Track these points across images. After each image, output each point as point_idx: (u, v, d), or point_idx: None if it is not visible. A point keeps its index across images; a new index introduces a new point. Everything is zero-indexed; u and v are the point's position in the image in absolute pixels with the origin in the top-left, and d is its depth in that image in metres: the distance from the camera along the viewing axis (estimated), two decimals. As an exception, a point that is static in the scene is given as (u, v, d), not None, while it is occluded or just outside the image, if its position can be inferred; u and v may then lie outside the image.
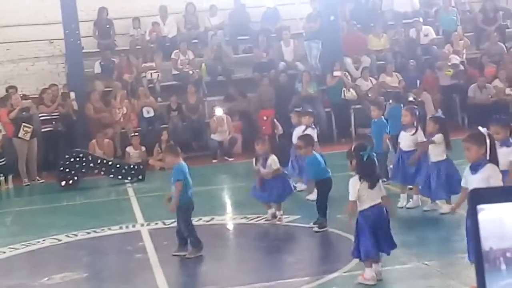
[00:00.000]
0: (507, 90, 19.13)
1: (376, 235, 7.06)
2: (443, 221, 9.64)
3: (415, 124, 10.78)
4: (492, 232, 1.12)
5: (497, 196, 1.10)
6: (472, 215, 1.10)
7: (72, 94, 18.02)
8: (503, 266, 1.11)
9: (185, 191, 8.99)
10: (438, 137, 9.93)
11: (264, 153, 10.25)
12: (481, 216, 1.11)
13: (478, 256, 1.10)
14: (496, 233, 1.12)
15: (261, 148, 10.25)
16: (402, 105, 14.89)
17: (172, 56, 19.75)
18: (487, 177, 6.40)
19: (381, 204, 7.18)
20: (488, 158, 6.52)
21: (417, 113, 11.03)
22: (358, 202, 7.15)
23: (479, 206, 1.10)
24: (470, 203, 1.10)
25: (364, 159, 7.17)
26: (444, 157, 9.93)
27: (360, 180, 7.15)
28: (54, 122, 17.24)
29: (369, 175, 7.18)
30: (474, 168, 6.58)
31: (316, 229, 9.60)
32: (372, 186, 7.16)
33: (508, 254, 1.11)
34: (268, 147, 10.31)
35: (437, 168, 9.90)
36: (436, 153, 9.95)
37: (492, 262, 1.12)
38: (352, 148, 7.40)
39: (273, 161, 10.18)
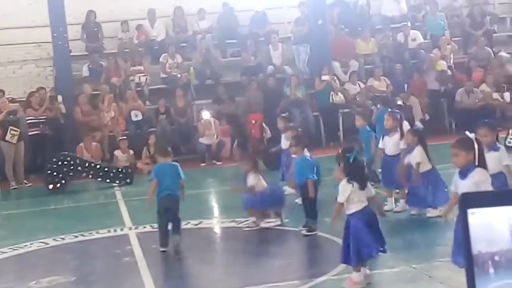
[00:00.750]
0: (494, 95, 19.23)
1: (367, 238, 7.07)
2: (430, 225, 9.66)
3: (398, 128, 10.76)
4: (481, 236, 1.13)
5: (487, 200, 1.11)
6: (463, 219, 1.11)
7: (60, 98, 17.97)
8: (492, 270, 1.12)
9: (158, 191, 9.32)
10: (417, 150, 9.90)
11: (245, 171, 10.32)
12: (471, 220, 1.12)
13: (469, 260, 1.11)
14: (485, 237, 1.13)
15: (244, 167, 10.37)
16: (390, 109, 14.95)
17: (161, 59, 19.74)
18: (477, 182, 6.41)
19: (370, 205, 7.20)
20: (477, 163, 6.52)
21: (400, 117, 11.00)
22: (348, 205, 7.15)
23: (470, 210, 1.11)
24: (461, 207, 1.11)
25: (351, 160, 7.18)
26: (430, 167, 9.93)
27: (349, 182, 7.16)
28: (41, 126, 17.18)
29: (358, 177, 7.19)
30: (463, 173, 6.59)
31: (304, 232, 9.61)
32: (362, 187, 7.18)
33: (496, 258, 1.12)
34: (250, 167, 10.31)
35: (423, 178, 9.91)
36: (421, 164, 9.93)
37: (481, 265, 1.13)
38: (340, 151, 7.42)
39: (250, 179, 10.25)
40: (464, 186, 6.38)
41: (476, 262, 1.12)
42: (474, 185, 6.30)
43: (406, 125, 11.33)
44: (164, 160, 9.59)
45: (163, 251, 9.33)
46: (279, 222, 10.27)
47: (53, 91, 18.47)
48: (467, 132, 6.78)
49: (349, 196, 7.13)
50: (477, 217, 1.11)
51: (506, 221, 1.11)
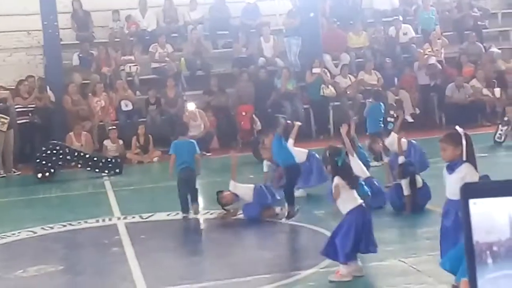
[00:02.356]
0: (485, 90, 19.27)
1: (359, 237, 7.08)
2: (420, 218, 9.68)
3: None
4: (479, 226, 1.12)
5: (489, 190, 1.10)
6: (464, 209, 1.10)
7: (48, 87, 17.89)
8: (490, 260, 1.12)
9: (177, 165, 10.70)
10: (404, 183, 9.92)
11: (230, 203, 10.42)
12: (472, 210, 1.11)
13: (470, 250, 1.10)
14: (483, 227, 1.12)
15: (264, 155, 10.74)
16: (381, 104, 15.00)
17: (150, 49, 19.66)
18: (464, 177, 6.39)
19: (363, 204, 7.21)
20: (464, 158, 6.51)
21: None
22: (343, 204, 7.16)
23: (471, 200, 1.11)
24: (462, 197, 1.10)
25: (339, 164, 7.22)
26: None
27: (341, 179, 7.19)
28: (30, 114, 17.10)
29: (347, 177, 7.22)
30: (451, 168, 6.58)
31: (284, 219, 9.63)
32: (352, 186, 7.20)
33: (494, 248, 1.12)
34: (232, 198, 10.35)
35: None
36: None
37: (479, 255, 1.12)
38: (327, 154, 7.39)
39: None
40: (452, 180, 6.38)
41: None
42: (461, 180, 6.26)
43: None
44: (182, 137, 10.97)
45: (185, 217, 10.53)
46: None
47: (42, 80, 18.37)
48: (457, 127, 6.77)
49: (341, 195, 7.14)
50: (478, 207, 1.10)
51: (506, 211, 1.10)
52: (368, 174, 10.49)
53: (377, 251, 7.30)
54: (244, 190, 10.45)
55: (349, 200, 7.17)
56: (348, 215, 7.13)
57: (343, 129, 10.46)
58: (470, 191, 1.11)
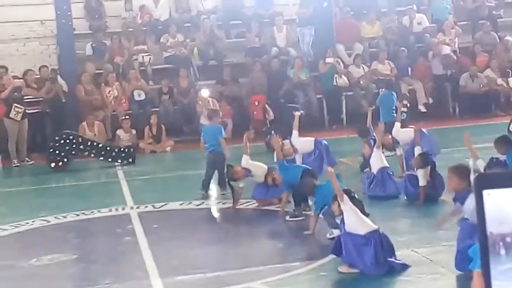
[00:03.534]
0: (499, 80, 19.15)
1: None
2: (433, 209, 9.65)
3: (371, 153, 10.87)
4: (492, 216, 1.11)
5: (503, 181, 1.09)
6: (478, 200, 1.09)
7: (59, 77, 17.90)
8: (503, 251, 1.10)
9: (207, 147, 11.50)
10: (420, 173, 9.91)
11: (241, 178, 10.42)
12: (486, 201, 1.10)
13: (484, 241, 1.08)
14: (496, 218, 1.10)
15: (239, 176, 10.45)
16: (394, 93, 14.98)
17: (161, 40, 19.64)
18: (472, 210, 6.44)
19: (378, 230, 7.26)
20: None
21: (373, 142, 11.03)
22: (353, 227, 7.20)
23: (485, 191, 1.09)
24: (476, 188, 1.09)
25: (352, 196, 7.48)
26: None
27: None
28: (41, 104, 17.12)
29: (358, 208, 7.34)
30: (460, 200, 6.67)
31: (287, 217, 9.62)
32: (361, 210, 7.35)
33: (508, 239, 1.10)
34: (243, 173, 10.33)
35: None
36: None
37: (492, 246, 1.11)
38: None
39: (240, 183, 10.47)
40: (469, 209, 6.42)
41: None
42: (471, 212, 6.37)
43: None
44: (210, 122, 11.94)
45: (202, 194, 11.21)
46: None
47: (53, 71, 18.30)
48: (469, 160, 6.89)
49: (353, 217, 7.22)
50: (492, 198, 1.09)
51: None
52: (384, 164, 10.56)
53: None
54: (256, 167, 10.43)
55: (360, 223, 7.22)
56: (363, 237, 7.15)
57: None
58: (484, 182, 1.10)
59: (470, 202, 6.43)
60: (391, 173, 10.62)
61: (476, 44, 20.14)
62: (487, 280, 1.10)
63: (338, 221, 7.76)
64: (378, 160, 10.63)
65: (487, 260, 1.08)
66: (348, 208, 7.25)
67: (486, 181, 1.10)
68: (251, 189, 10.60)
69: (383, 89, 15.34)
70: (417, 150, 10.27)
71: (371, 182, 10.52)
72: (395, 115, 12.84)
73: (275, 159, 10.82)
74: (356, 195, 7.65)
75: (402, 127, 12.13)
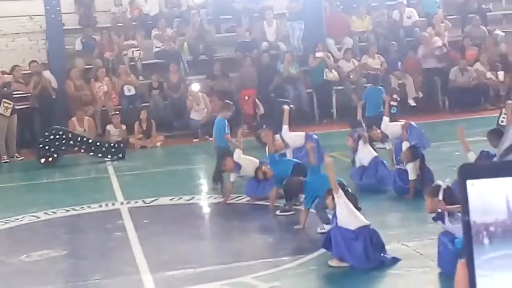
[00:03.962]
0: (488, 74, 19.19)
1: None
2: (422, 202, 9.66)
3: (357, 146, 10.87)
4: (476, 206, 1.12)
5: (487, 171, 1.10)
6: (462, 190, 1.10)
7: (47, 73, 17.83)
8: (486, 240, 1.12)
9: None
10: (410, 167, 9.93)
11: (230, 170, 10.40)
12: (470, 191, 1.11)
13: (467, 230, 1.10)
14: (480, 208, 1.12)
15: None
16: (381, 87, 15.05)
17: (152, 36, 19.60)
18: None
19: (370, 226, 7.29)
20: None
21: (358, 136, 11.06)
22: (345, 221, 7.22)
23: (469, 181, 1.10)
24: (460, 178, 1.10)
25: (346, 189, 7.56)
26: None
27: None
28: (30, 100, 17.02)
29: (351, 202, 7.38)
30: (441, 219, 6.77)
31: (278, 211, 9.63)
32: (354, 205, 7.38)
33: (491, 228, 1.11)
34: (232, 167, 10.32)
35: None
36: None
37: (475, 236, 1.12)
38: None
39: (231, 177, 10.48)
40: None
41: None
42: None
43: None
44: (220, 115, 11.31)
45: (213, 187, 11.25)
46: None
47: (40, 66, 18.21)
48: (439, 182, 6.98)
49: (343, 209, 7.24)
50: (475, 188, 1.10)
51: (503, 192, 1.10)
52: (374, 154, 10.67)
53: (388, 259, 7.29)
54: (248, 162, 10.41)
55: (353, 218, 7.24)
56: (353, 233, 7.17)
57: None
58: (468, 172, 1.11)
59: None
60: (383, 162, 10.70)
61: (466, 38, 20.18)
62: (471, 269, 1.11)
63: (330, 216, 7.77)
64: (368, 153, 10.70)
65: (470, 250, 1.09)
66: (342, 202, 7.27)
67: (470, 171, 1.11)
68: (243, 184, 10.61)
69: (370, 84, 15.41)
70: (405, 145, 10.29)
71: (364, 172, 10.58)
72: (382, 109, 12.85)
73: (267, 153, 10.84)
74: (349, 189, 7.67)
75: (392, 121, 12.15)
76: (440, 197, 6.73)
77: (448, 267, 6.31)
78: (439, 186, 6.84)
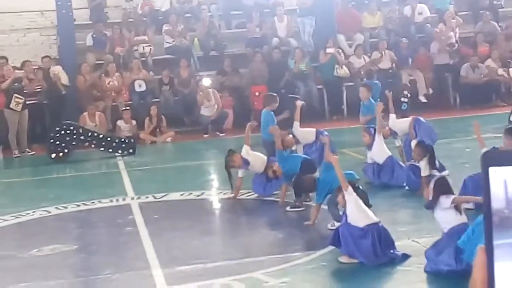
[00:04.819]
0: (500, 70, 19.12)
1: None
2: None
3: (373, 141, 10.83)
4: (498, 194, 1.13)
5: (510, 159, 1.12)
6: (484, 176, 1.12)
7: (57, 68, 17.85)
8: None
9: None
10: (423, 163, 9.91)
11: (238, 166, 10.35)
12: (492, 178, 1.12)
13: (488, 216, 1.11)
14: (502, 195, 1.13)
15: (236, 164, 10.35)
16: (376, 82, 15.13)
17: (163, 31, 19.62)
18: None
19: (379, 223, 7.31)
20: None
21: (373, 131, 11.00)
22: (354, 218, 7.23)
23: (492, 168, 1.12)
24: (483, 165, 1.12)
25: (357, 186, 7.60)
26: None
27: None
28: (38, 96, 17.05)
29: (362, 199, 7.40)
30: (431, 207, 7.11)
31: (288, 207, 9.62)
32: (364, 201, 7.43)
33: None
34: (240, 163, 10.29)
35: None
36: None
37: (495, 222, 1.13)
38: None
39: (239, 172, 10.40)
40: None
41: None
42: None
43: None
44: (266, 108, 11.23)
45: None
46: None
47: (50, 62, 18.23)
48: (436, 172, 7.51)
49: (354, 207, 7.25)
50: (498, 175, 1.11)
51: (501, 179, 1.12)
52: (389, 153, 10.69)
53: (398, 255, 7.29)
54: (256, 158, 10.38)
55: (363, 216, 7.24)
56: (361, 230, 7.18)
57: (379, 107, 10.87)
58: (491, 159, 1.13)
59: None
60: (398, 162, 10.69)
61: (479, 33, 20.08)
62: (490, 255, 1.12)
63: (341, 213, 7.78)
64: (382, 151, 10.68)
65: (490, 236, 1.10)
66: (351, 199, 7.27)
67: (493, 158, 1.12)
68: (251, 180, 10.60)
69: (365, 79, 15.59)
70: (413, 144, 10.28)
71: (380, 171, 10.57)
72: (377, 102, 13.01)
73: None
74: (360, 186, 7.66)
75: (402, 117, 12.13)
76: (432, 186, 6.89)
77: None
78: (433, 176, 6.95)
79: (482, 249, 1.12)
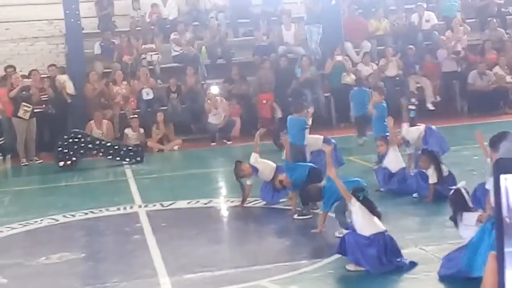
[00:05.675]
0: (507, 78, 19.08)
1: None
2: (441, 207, 9.62)
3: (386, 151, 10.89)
4: (508, 200, 1.14)
5: None
6: (496, 183, 1.13)
7: (64, 77, 17.90)
8: None
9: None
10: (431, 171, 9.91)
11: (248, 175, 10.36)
12: (502, 185, 1.13)
13: (499, 222, 1.12)
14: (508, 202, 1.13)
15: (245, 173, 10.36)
16: (367, 89, 15.17)
17: (171, 39, 19.68)
18: None
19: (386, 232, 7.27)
20: None
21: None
22: (360, 227, 7.22)
23: (503, 176, 1.13)
24: (495, 172, 1.13)
25: (361, 198, 7.39)
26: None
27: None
28: (44, 105, 17.09)
29: (368, 207, 7.34)
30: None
31: (295, 215, 9.61)
32: (373, 213, 7.33)
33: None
34: (250, 172, 10.30)
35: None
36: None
37: (507, 229, 1.13)
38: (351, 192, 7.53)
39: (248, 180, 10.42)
40: None
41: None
42: None
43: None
44: (295, 115, 11.13)
45: None
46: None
47: (56, 71, 18.27)
48: (461, 184, 7.30)
49: (361, 219, 7.23)
50: (509, 182, 1.12)
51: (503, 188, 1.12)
52: (403, 164, 10.74)
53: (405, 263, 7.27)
54: (265, 165, 10.39)
55: (368, 225, 7.22)
56: (367, 239, 7.16)
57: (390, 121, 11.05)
58: (502, 167, 1.13)
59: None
60: (411, 173, 10.69)
61: (487, 41, 20.06)
62: (501, 261, 1.12)
63: (349, 221, 7.77)
64: (396, 162, 10.70)
65: (501, 242, 1.10)
66: (356, 209, 7.27)
67: (505, 166, 1.13)
68: (259, 188, 10.61)
69: (356, 87, 15.82)
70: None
71: (391, 177, 10.58)
72: (367, 109, 13.10)
73: (282, 157, 10.82)
74: (366, 194, 7.62)
75: (411, 125, 12.14)
76: (449, 203, 7.00)
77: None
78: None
79: (493, 256, 1.13)
